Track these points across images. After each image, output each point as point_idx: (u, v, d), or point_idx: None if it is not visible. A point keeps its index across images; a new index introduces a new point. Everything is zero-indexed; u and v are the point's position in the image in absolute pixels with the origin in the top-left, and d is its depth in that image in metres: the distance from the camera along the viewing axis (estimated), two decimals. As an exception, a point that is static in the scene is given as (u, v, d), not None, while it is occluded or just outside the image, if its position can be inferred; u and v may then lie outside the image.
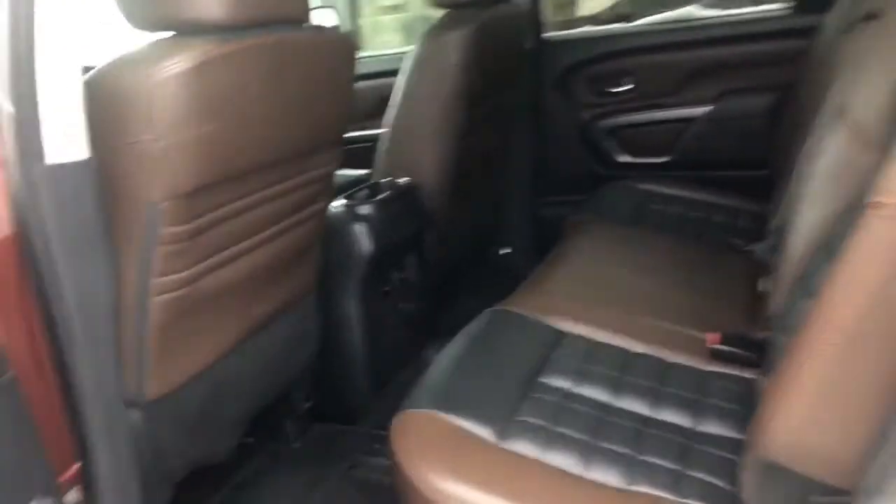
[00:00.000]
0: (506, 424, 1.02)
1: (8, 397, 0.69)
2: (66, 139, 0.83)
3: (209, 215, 1.06)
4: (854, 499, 0.65)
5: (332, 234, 1.57)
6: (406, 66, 1.80)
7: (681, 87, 2.23)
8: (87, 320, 0.85)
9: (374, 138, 1.90)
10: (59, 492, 0.77)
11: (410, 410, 1.06)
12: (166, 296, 1.04)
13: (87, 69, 0.93)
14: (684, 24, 2.47)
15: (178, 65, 0.95)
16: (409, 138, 1.83)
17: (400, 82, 1.81)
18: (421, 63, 1.78)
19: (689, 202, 1.97)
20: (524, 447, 0.98)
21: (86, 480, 0.88)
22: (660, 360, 1.20)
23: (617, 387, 1.12)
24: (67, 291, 0.82)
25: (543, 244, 2.11)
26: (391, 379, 1.75)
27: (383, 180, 1.79)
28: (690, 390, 1.12)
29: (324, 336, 1.55)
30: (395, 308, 1.77)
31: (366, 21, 3.72)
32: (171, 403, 1.11)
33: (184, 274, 1.05)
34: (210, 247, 1.09)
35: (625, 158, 2.33)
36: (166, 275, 1.03)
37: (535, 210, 2.43)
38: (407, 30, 3.71)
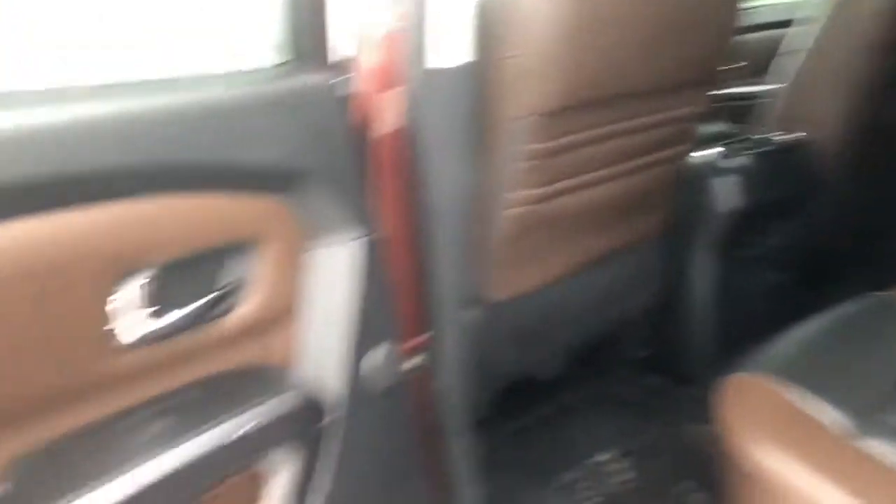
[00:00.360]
0: (864, 419, 0.84)
1: (372, 251, 0.80)
2: (450, 47, 0.91)
3: (568, 137, 1.08)
4: None
5: (689, 184, 1.47)
6: (811, 14, 1.58)
7: None
8: (445, 213, 0.94)
9: (756, 95, 1.73)
10: (402, 351, 0.88)
11: (748, 374, 0.94)
12: (515, 210, 1.09)
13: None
14: None
15: None
16: (814, 91, 1.62)
17: (802, 31, 1.60)
18: (841, 7, 1.54)
19: None
20: (883, 451, 0.80)
21: (426, 352, 0.98)
22: None
23: None
24: (434, 183, 0.92)
25: None
26: (739, 350, 1.60)
27: (763, 135, 1.61)
28: None
29: (666, 288, 1.47)
30: (756, 274, 1.59)
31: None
32: (506, 310, 1.18)
33: (535, 191, 1.09)
34: (563, 170, 1.11)
35: None
36: (519, 189, 1.08)
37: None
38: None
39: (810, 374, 0.91)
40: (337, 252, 0.77)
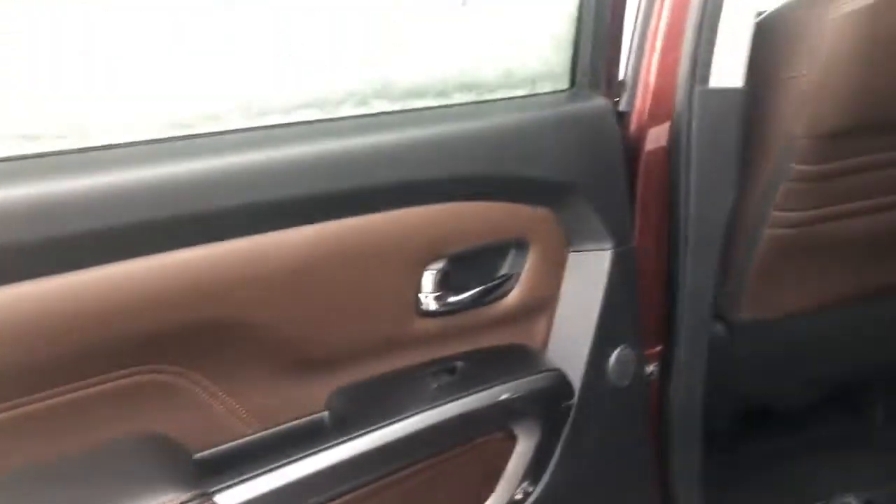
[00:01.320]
0: None
1: (625, 262, 0.89)
2: (726, 69, 0.93)
3: (842, 161, 1.03)
4: None
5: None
6: None
7: None
8: (701, 229, 0.97)
9: None
10: (642, 354, 0.94)
11: None
12: (778, 230, 1.08)
13: (759, 13, 1.00)
14: None
15: (855, 2, 0.93)
16: None
17: None
18: None
19: None
20: None
21: (663, 363, 1.02)
22: None
23: None
24: (693, 200, 0.95)
25: None
26: None
27: None
28: None
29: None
30: None
31: None
32: (754, 331, 1.16)
33: (801, 214, 1.06)
34: (834, 194, 1.07)
35: None
36: (784, 210, 1.06)
37: None
38: None
39: None
40: (594, 258, 0.87)
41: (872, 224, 1.12)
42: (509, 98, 0.86)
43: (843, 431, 1.47)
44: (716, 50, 0.92)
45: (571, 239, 0.87)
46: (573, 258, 0.88)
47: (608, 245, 0.87)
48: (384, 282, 0.76)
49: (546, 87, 0.89)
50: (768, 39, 0.98)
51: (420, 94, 0.79)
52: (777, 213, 1.06)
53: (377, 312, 0.77)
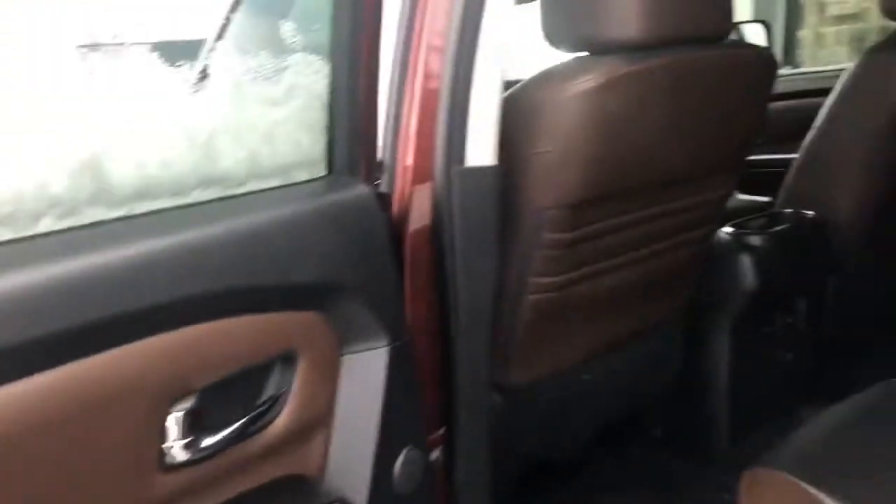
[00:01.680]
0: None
1: (402, 356, 0.83)
2: (478, 147, 0.95)
3: (593, 226, 1.11)
4: None
5: (715, 262, 1.48)
6: (838, 87, 1.59)
7: None
8: (471, 306, 0.97)
9: (784, 163, 1.73)
10: (426, 448, 0.90)
11: (768, 469, 0.94)
12: (538, 296, 1.12)
13: (509, 84, 1.05)
14: None
15: (586, 83, 1.00)
16: (826, 168, 1.62)
17: (828, 104, 1.61)
18: (856, 84, 1.55)
19: None
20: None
21: (447, 445, 1.00)
22: None
23: None
24: (461, 279, 0.95)
25: None
26: (753, 430, 1.59)
27: (786, 211, 1.62)
28: None
29: (686, 368, 1.48)
30: (774, 355, 1.59)
31: (808, 33, 3.37)
32: (527, 394, 1.20)
33: (557, 279, 1.12)
34: (585, 257, 1.14)
35: None
36: (542, 276, 1.11)
37: None
38: (857, 43, 3.25)
39: (831, 472, 0.91)
40: (370, 358, 0.80)
41: (619, 280, 1.21)
42: (260, 191, 0.77)
43: (615, 474, 1.57)
44: (468, 129, 0.93)
45: (343, 341, 0.80)
46: (347, 361, 0.80)
47: (383, 342, 0.81)
48: (113, 440, 0.60)
49: (301, 176, 0.82)
50: (515, 117, 1.02)
51: (147, 195, 0.66)
52: (536, 280, 1.11)
53: (106, 483, 0.61)
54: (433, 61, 0.90)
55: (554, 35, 1.13)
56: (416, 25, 0.89)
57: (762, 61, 1.21)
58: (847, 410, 1.06)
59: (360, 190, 0.83)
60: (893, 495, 0.88)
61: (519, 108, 1.04)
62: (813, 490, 0.89)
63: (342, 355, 0.80)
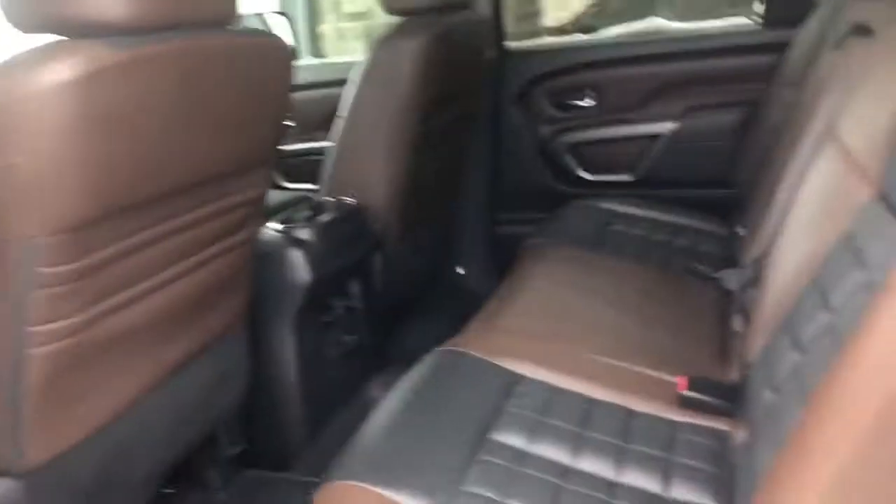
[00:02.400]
0: (448, 498, 0.88)
1: None
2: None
3: (103, 251, 0.90)
4: None
5: (265, 260, 1.42)
6: (354, 76, 1.67)
7: (646, 103, 2.13)
8: None
9: (322, 151, 1.77)
10: None
11: (337, 482, 0.91)
12: (49, 347, 0.88)
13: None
14: (650, 38, 2.40)
15: (60, 73, 0.79)
16: (356, 154, 1.70)
17: (348, 93, 1.67)
18: (371, 73, 1.65)
19: (653, 223, 1.87)
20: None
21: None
22: (625, 409, 1.07)
23: (577, 444, 0.99)
24: None
25: (500, 264, 2.08)
26: (330, 419, 1.61)
27: (326, 199, 1.65)
28: (659, 447, 1.00)
29: (254, 374, 1.39)
30: (337, 340, 1.62)
31: (329, 28, 3.57)
32: (57, 470, 0.94)
33: (69, 321, 0.89)
34: (106, 287, 0.93)
35: (586, 176, 2.22)
36: (48, 322, 0.87)
37: (491, 229, 2.31)
38: (372, 37, 3.56)
39: (393, 466, 0.92)
40: None
41: (157, 304, 1.04)
42: None
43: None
44: None
45: None
46: None
47: None
48: None
49: None
50: None
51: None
52: (39, 329, 0.86)
53: None
54: None
55: (17, 12, 0.88)
56: None
57: (277, 50, 1.16)
58: (401, 393, 1.10)
59: None
60: (442, 470, 0.92)
61: None
62: (386, 492, 0.88)
63: None
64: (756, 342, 1.02)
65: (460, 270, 2.30)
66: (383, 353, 1.82)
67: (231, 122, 1.06)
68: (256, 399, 1.44)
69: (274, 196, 2.02)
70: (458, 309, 2.19)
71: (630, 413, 1.06)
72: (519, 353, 1.18)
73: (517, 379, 1.12)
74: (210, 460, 1.43)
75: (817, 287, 0.80)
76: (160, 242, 1.00)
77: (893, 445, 0.56)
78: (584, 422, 1.04)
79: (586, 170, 2.22)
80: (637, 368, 1.18)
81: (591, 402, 1.08)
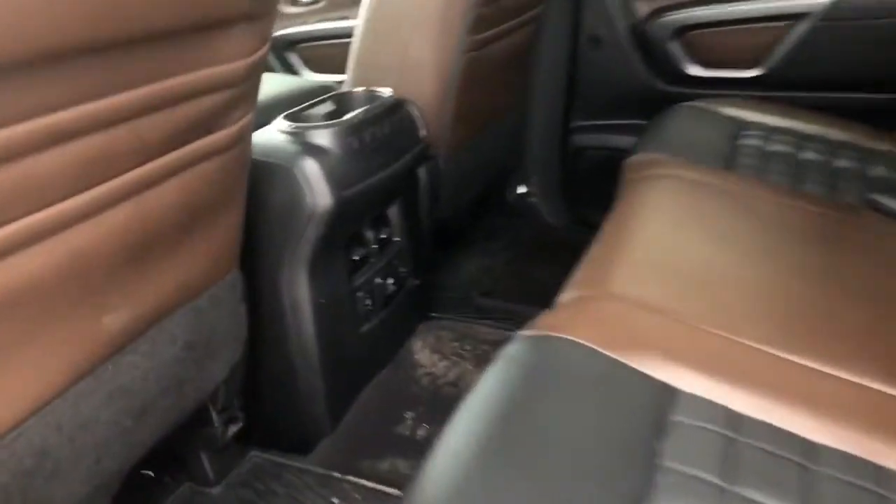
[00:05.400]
0: None
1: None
2: None
3: None
4: None
5: (268, 174, 0.98)
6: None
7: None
8: None
9: (337, 35, 1.38)
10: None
11: None
12: None
13: None
14: None
15: None
16: (397, 33, 1.24)
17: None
18: None
19: (799, 138, 1.37)
20: None
21: None
22: (870, 465, 0.63)
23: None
24: None
25: (575, 184, 1.79)
26: (361, 386, 1.21)
27: (355, 91, 1.19)
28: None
29: (254, 334, 0.98)
30: (370, 284, 1.19)
31: None
32: None
33: None
34: None
35: (698, 71, 1.70)
36: None
37: (564, 138, 1.83)
38: None
39: None
40: None
41: (77, 245, 0.63)
42: None
43: None
44: None
45: None
46: None
47: None
48: None
49: None
50: None
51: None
52: None
53: None
54: None
55: None
56: None
57: None
58: (483, 404, 0.67)
59: None
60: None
61: None
62: None
63: None
64: None
65: (522, 189, 1.84)
66: (429, 298, 1.40)
67: None
68: (260, 364, 1.04)
69: (284, 84, 1.57)
70: (521, 240, 1.78)
71: (879, 472, 0.62)
72: (659, 345, 0.74)
73: (669, 397, 0.68)
74: (202, 445, 1.04)
75: None
76: (90, 134, 0.58)
77: None
78: (800, 491, 0.59)
79: (698, 62, 1.69)
80: (856, 379, 0.73)
81: (806, 449, 0.64)
